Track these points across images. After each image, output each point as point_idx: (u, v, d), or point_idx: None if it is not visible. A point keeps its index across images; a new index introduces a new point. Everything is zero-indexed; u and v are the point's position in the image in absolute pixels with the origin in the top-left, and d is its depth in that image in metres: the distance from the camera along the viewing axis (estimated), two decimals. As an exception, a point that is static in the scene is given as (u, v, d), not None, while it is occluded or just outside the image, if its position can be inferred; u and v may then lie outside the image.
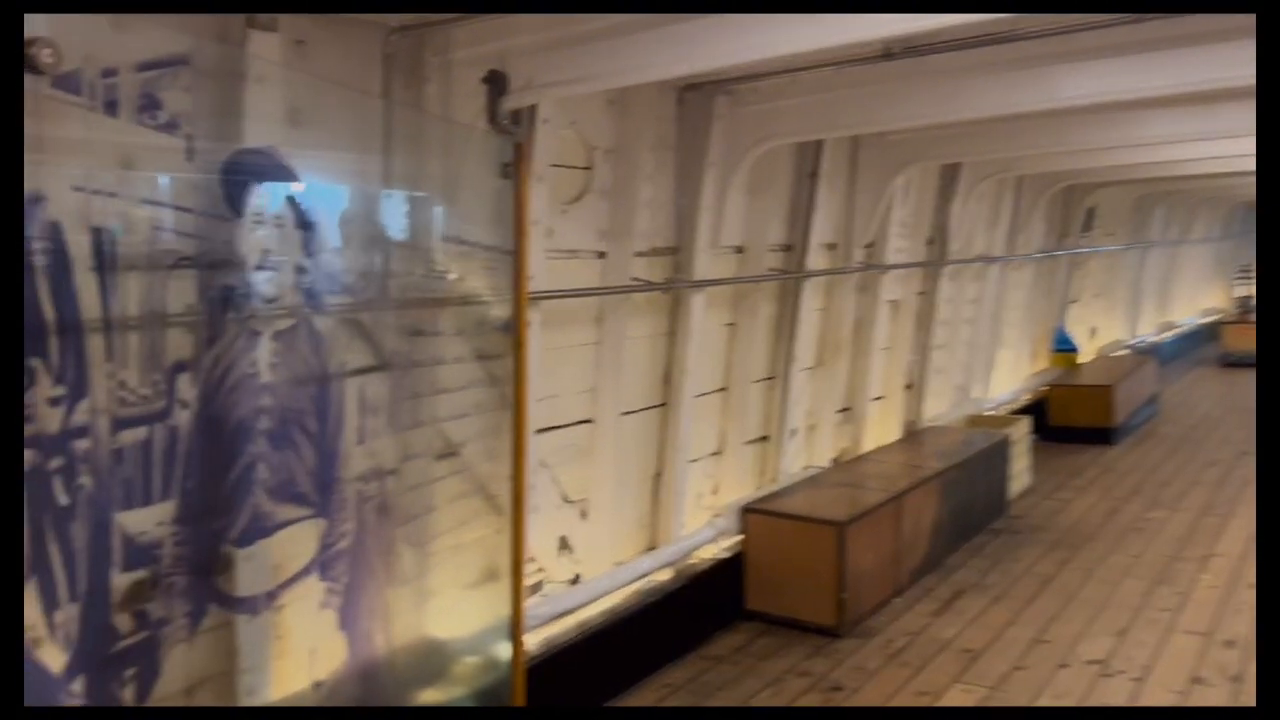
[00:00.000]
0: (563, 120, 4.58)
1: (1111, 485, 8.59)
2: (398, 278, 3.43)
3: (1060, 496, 8.29)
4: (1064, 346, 11.89)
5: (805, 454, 7.30)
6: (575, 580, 5.12)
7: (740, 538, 5.86)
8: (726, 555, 5.82)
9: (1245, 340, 15.46)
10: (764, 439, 6.69)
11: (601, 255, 5.02)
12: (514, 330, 3.79)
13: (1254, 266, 17.98)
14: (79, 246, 1.91)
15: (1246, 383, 13.76)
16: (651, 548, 5.67)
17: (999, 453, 7.79)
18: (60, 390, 1.85)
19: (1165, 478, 8.76)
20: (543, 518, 4.85)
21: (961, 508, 7.02)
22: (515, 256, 3.71)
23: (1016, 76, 4.56)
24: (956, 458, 7.15)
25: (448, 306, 3.87)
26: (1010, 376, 10.81)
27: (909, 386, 8.64)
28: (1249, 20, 3.87)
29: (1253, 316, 15.95)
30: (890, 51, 4.42)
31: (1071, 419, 10.45)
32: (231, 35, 3.08)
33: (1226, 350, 15.59)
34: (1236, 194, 16.96)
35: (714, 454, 6.28)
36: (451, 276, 3.78)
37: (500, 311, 4.03)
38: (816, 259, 6.82)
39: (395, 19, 3.44)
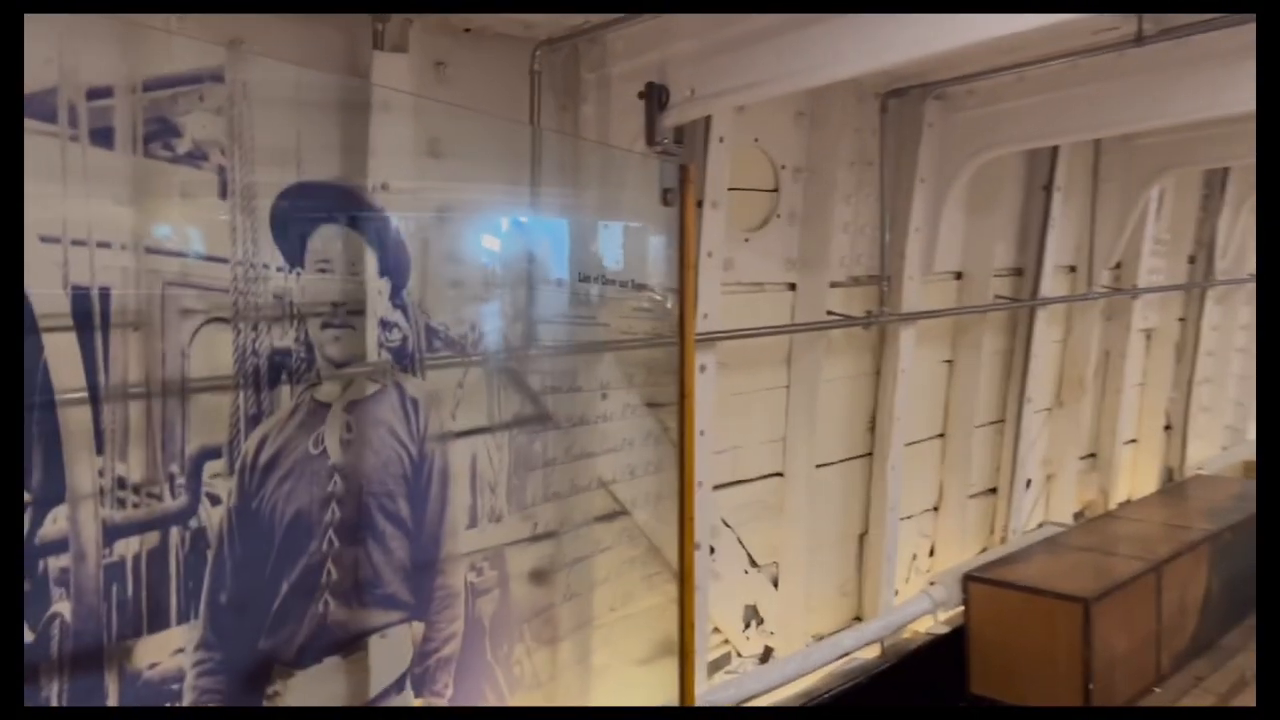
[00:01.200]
0: (743, 137, 4.07)
1: None
2: (543, 323, 3.02)
3: (1369, 563, 6.82)
4: (1364, 378, 10.05)
5: (1042, 508, 6.38)
6: (766, 656, 4.54)
7: (962, 610, 5.05)
8: (945, 630, 5.03)
9: None
10: (991, 491, 5.85)
11: (791, 287, 4.45)
12: (681, 376, 3.29)
13: None
14: (53, 309, 1.58)
15: None
16: (857, 619, 5.00)
17: (1287, 509, 6.49)
18: (24, 497, 1.51)
19: None
20: (725, 585, 4.31)
21: (1239, 577, 5.84)
22: (681, 293, 3.22)
23: (1313, 53, 3.62)
24: (1231, 516, 5.97)
25: (606, 351, 3.43)
26: (1295, 414, 9.22)
27: (1168, 428, 7.45)
28: None
29: None
30: (1143, 35, 3.61)
31: (1378, 465, 8.72)
32: (359, 60, 2.80)
33: None
34: None
35: (930, 510, 5.52)
36: (610, 318, 3.35)
37: (668, 355, 3.55)
38: (1053, 284, 5.93)
39: (543, 29, 3.05)
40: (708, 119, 3.66)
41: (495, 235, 3.06)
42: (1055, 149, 5.44)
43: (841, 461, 4.84)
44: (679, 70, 3.04)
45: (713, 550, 4.21)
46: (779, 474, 4.55)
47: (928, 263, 4.76)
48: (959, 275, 5.35)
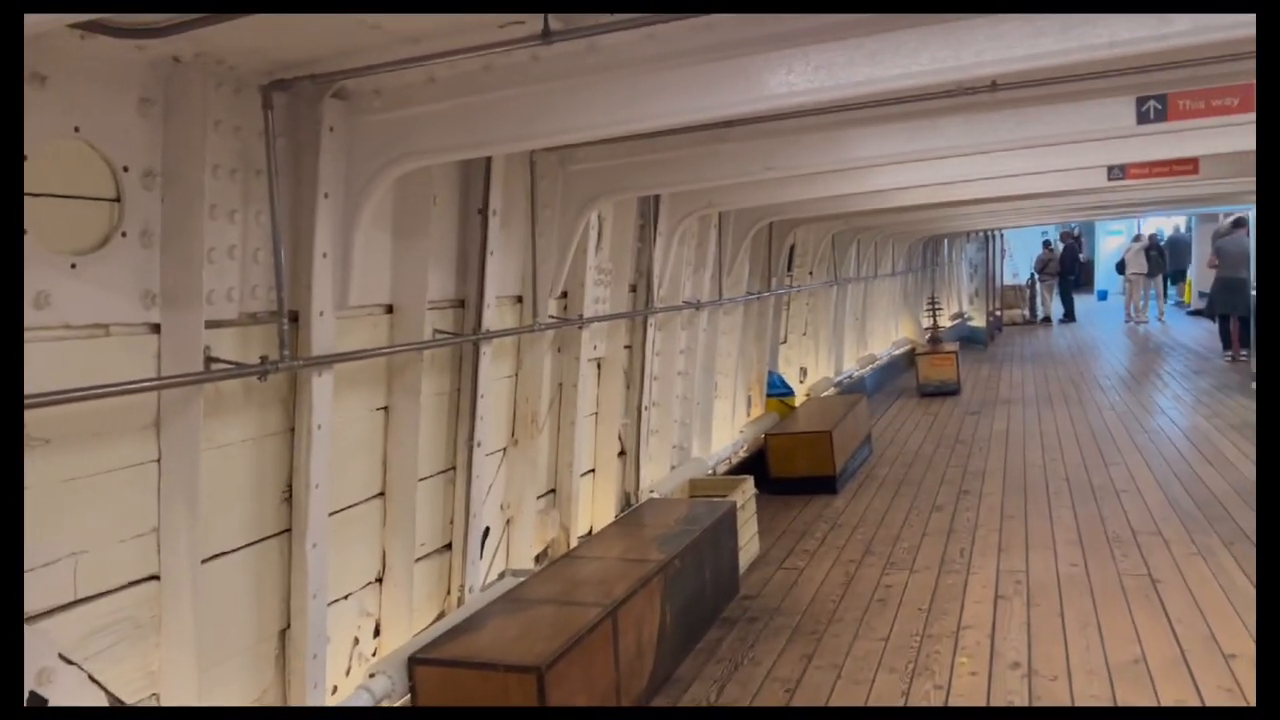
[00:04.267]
0: (54, 122, 2.94)
1: (843, 544, 7.87)
2: None
3: (793, 565, 7.42)
4: (778, 391, 11.35)
5: (503, 556, 5.92)
6: (144, 822, 3.38)
7: (409, 698, 4.32)
8: (391, 728, 4.27)
9: (938, 370, 15.92)
10: (446, 548, 5.22)
11: (156, 329, 3.38)
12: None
13: (938, 298, 18.80)
14: None
15: (947, 413, 14.00)
16: (281, 734, 4.02)
17: (726, 525, 6.77)
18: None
19: (894, 530, 8.17)
20: (69, 747, 3.09)
21: (690, 602, 5.88)
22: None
23: (715, 70, 3.46)
24: (681, 541, 6.01)
25: None
26: (729, 429, 10.02)
27: (623, 454, 7.50)
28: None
29: (944, 347, 16.47)
30: (550, 30, 3.17)
31: (793, 469, 9.79)
32: None
33: (923, 380, 15.96)
34: (920, 229, 17.68)
35: (374, 582, 4.72)
36: None
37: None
38: (499, 316, 5.51)
39: None
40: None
41: None
42: (488, 170, 5.00)
43: (247, 546, 3.84)
44: None
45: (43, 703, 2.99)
46: (154, 577, 3.44)
47: (343, 295, 3.97)
48: (389, 309, 4.65)
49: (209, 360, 3.48)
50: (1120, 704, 4.81)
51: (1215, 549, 7.06)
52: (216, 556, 3.65)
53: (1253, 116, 4.60)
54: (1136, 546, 7.26)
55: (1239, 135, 6.14)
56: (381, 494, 4.71)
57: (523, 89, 3.62)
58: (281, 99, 3.67)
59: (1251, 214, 17.93)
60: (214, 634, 3.61)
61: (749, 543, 7.60)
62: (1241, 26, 2.90)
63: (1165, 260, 27.33)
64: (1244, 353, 16.01)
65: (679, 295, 8.23)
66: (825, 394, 13.11)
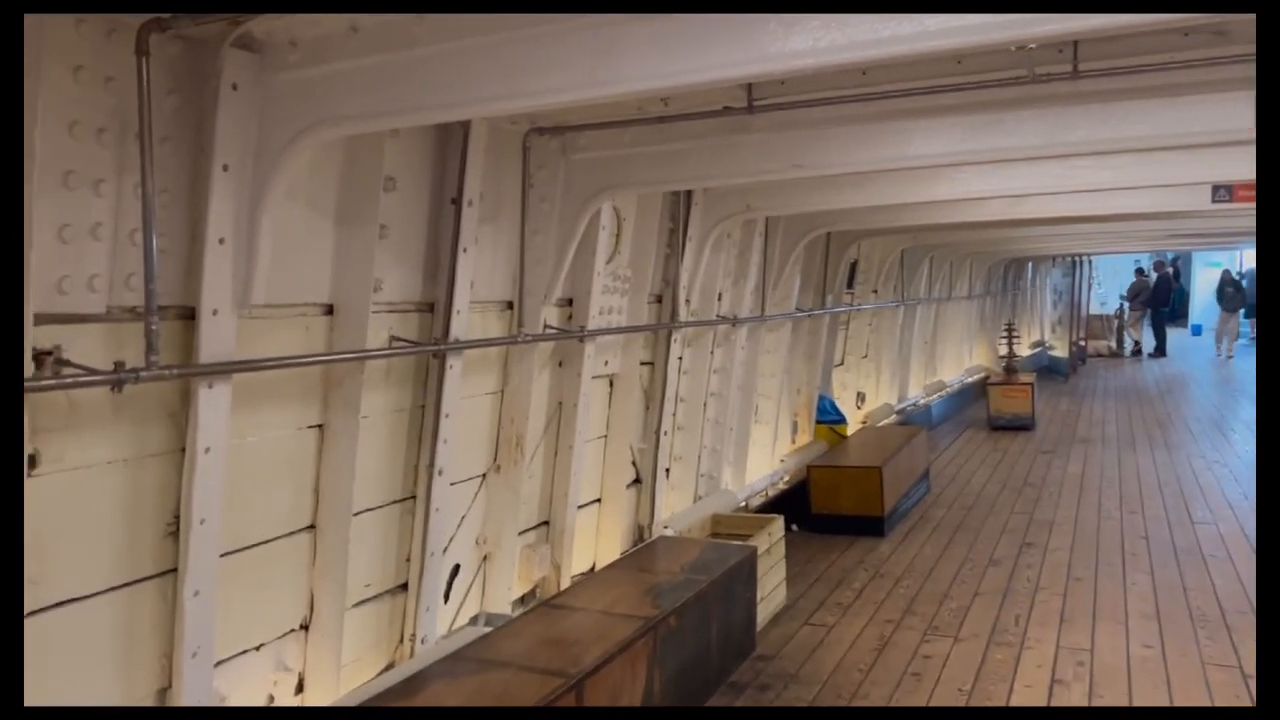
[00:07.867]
0: None
1: (882, 599, 6.95)
2: None
3: (822, 620, 6.54)
4: (829, 417, 10.43)
5: (477, 597, 5.19)
6: None
7: (316, 779, 3.61)
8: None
9: (1011, 403, 14.77)
10: (401, 588, 4.52)
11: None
12: None
13: (1015, 325, 17.56)
14: None
15: (1018, 450, 12.88)
16: (152, 817, 3.33)
17: (742, 574, 5.93)
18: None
19: (942, 585, 7.22)
20: None
21: (689, 665, 5.07)
22: None
23: (699, 25, 2.67)
24: (684, 593, 5.20)
25: None
26: (768, 458, 9.15)
27: (636, 482, 6.72)
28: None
29: (1019, 377, 15.30)
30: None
31: (838, 506, 8.88)
32: None
33: (994, 413, 14.81)
34: (999, 249, 16.53)
35: (298, 629, 4.02)
36: None
37: None
38: (480, 323, 4.80)
39: None
40: None
41: None
42: (465, 152, 4.27)
43: (109, 591, 3.16)
44: None
45: None
46: None
47: (245, 290, 3.26)
48: (329, 309, 3.94)
49: (59, 363, 2.82)
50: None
51: (1323, 640, 5.97)
52: (60, 605, 2.97)
53: None
54: (1225, 628, 6.21)
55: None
56: (312, 526, 4.01)
57: (461, 42, 2.87)
58: (173, 47, 2.99)
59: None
60: (54, 697, 2.93)
61: (773, 591, 6.75)
62: None
63: (1243, 294, 25.61)
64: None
65: (713, 309, 7.41)
66: (884, 422, 12.13)
